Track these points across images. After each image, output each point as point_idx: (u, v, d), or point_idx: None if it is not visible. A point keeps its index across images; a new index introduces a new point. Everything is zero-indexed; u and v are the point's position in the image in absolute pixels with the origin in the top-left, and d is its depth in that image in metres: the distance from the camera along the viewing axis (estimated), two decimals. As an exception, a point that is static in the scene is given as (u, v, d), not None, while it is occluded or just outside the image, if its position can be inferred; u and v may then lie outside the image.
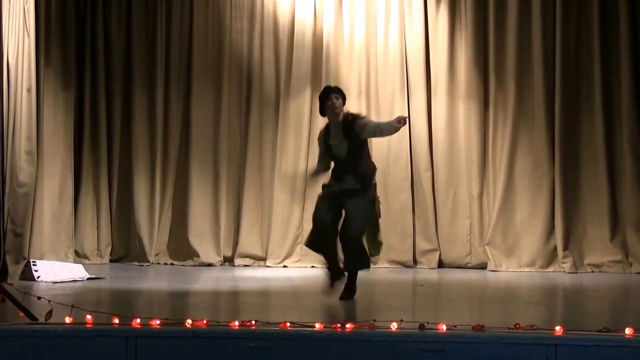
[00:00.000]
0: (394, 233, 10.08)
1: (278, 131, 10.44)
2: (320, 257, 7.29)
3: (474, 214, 10.15)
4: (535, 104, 9.98)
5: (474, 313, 7.05)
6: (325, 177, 7.21)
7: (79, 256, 10.02)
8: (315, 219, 7.03)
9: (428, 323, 5.29)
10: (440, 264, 10.14)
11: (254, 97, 10.55)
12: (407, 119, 6.96)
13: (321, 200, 7.06)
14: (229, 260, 10.44)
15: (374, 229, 7.14)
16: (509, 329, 5.26)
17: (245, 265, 10.29)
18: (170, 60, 10.59)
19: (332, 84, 10.09)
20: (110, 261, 10.38)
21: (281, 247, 10.29)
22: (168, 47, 10.60)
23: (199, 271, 9.82)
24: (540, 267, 9.81)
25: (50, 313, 5.56)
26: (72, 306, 5.69)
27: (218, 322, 5.51)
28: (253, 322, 5.45)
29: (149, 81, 10.55)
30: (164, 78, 10.56)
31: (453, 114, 10.22)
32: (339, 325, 5.36)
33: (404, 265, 10.15)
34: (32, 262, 8.70)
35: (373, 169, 7.16)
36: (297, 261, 10.25)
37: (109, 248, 10.45)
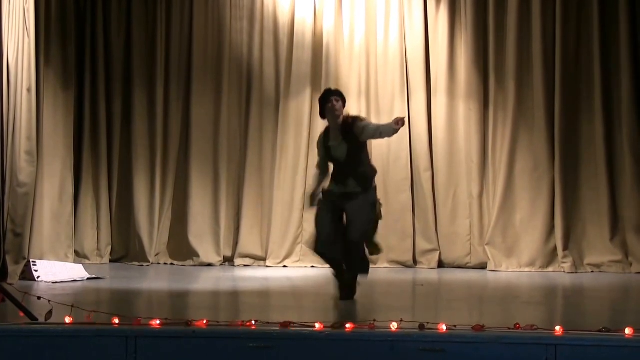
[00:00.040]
0: (394, 233, 10.08)
1: (278, 131, 10.44)
2: (325, 263, 7.28)
3: (474, 214, 10.15)
4: (535, 104, 9.98)
5: (474, 313, 7.05)
6: (326, 181, 7.21)
7: (79, 256, 10.02)
8: (319, 230, 7.03)
9: (428, 323, 5.29)
10: (440, 264, 10.14)
11: (254, 97, 10.55)
12: (406, 120, 6.91)
13: (322, 209, 7.04)
14: (229, 260, 10.44)
15: (373, 231, 7.13)
16: (509, 329, 5.26)
17: (245, 265, 10.29)
18: (170, 60, 10.59)
19: (332, 84, 10.19)
20: (110, 261, 10.38)
21: (281, 247, 10.29)
22: (168, 47, 10.60)
23: (199, 271, 9.82)
24: (540, 267, 9.81)
25: (50, 313, 5.56)
26: (72, 306, 5.69)
27: (218, 322, 5.51)
28: (253, 322, 5.45)
29: (149, 81, 10.55)
30: (164, 78, 10.56)
31: (453, 114, 10.22)
32: (339, 325, 5.36)
33: (404, 265, 10.15)
34: (32, 262, 8.70)
35: (373, 171, 7.15)
36: (297, 261, 10.25)
37: (109, 248, 10.45)
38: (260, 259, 10.37)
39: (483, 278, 9.34)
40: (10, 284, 7.86)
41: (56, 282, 8.45)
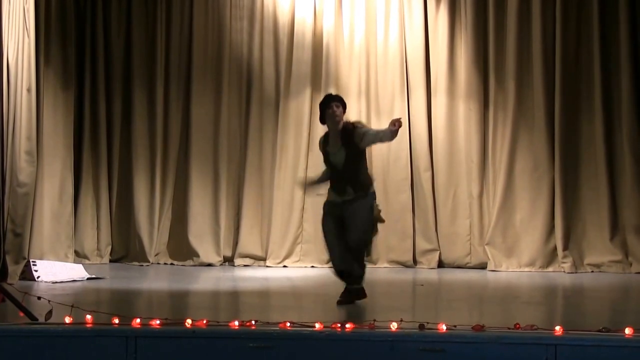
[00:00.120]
0: (394, 233, 10.08)
1: (278, 131, 10.43)
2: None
3: (473, 214, 10.15)
4: (535, 104, 9.98)
5: (474, 313, 7.05)
6: (326, 189, 7.18)
7: (79, 256, 10.02)
8: (331, 255, 7.04)
9: (428, 323, 5.30)
10: (440, 264, 10.14)
11: (254, 97, 10.55)
12: (402, 120, 6.89)
13: (328, 231, 7.01)
14: (229, 260, 10.44)
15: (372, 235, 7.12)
16: (509, 329, 5.26)
17: (245, 265, 10.29)
18: (170, 60, 10.59)
19: (332, 84, 10.24)
20: (110, 261, 10.38)
21: (281, 247, 10.29)
22: (168, 47, 10.60)
23: (199, 271, 9.82)
24: (540, 267, 9.81)
25: (50, 313, 5.57)
26: (72, 306, 5.70)
27: (218, 322, 5.52)
28: (253, 322, 5.45)
29: (148, 81, 10.55)
30: (164, 78, 10.56)
31: (453, 114, 10.22)
32: (339, 325, 5.36)
33: (404, 265, 10.15)
34: (32, 262, 8.70)
35: (370, 179, 7.12)
36: (297, 261, 10.25)
37: (109, 248, 10.45)
38: (260, 259, 10.37)
39: (483, 278, 9.34)
40: (10, 284, 7.86)
41: (56, 282, 8.45)
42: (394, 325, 5.29)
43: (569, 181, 9.89)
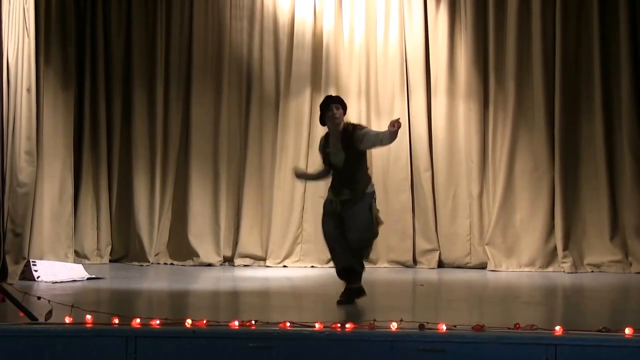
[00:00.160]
0: (394, 233, 10.08)
1: (278, 131, 10.44)
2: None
3: (473, 214, 10.15)
4: (535, 104, 9.98)
5: (474, 313, 7.05)
6: (325, 189, 7.19)
7: (79, 256, 10.02)
8: (334, 259, 7.07)
9: (428, 323, 5.30)
10: (440, 264, 10.14)
11: (253, 97, 10.55)
12: (401, 121, 6.89)
13: (329, 234, 7.02)
14: (228, 260, 10.44)
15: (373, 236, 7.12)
16: (509, 329, 5.26)
17: (245, 265, 10.29)
18: (170, 60, 10.59)
19: (332, 84, 10.24)
20: (110, 261, 10.38)
21: (281, 247, 10.29)
22: (168, 47, 10.60)
23: (199, 271, 9.82)
24: (540, 267, 9.81)
25: (50, 313, 5.57)
26: (72, 306, 5.69)
27: (218, 322, 5.52)
28: (253, 322, 5.45)
29: (148, 81, 10.55)
30: (164, 78, 10.56)
31: (453, 114, 10.22)
32: (339, 325, 5.36)
33: (404, 265, 10.15)
34: (32, 262, 8.70)
35: (368, 179, 7.11)
36: (297, 261, 10.25)
37: (109, 248, 10.45)
38: (260, 259, 10.37)
39: (483, 278, 9.34)
40: (10, 284, 7.86)
41: (56, 282, 8.45)
42: (394, 325, 5.29)
43: (569, 181, 9.89)
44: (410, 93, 10.30)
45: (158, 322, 5.44)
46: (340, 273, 7.01)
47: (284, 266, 10.21)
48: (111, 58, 10.55)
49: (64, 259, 9.37)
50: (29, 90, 8.68)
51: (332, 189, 7.06)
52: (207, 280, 9.14)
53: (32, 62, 8.75)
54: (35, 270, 8.63)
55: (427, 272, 9.77)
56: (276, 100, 10.50)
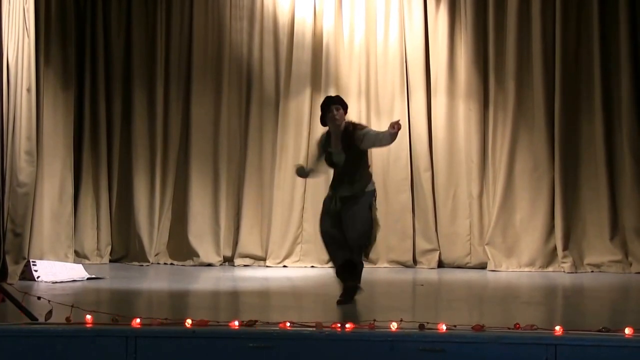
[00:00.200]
0: (394, 233, 10.08)
1: (278, 131, 10.43)
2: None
3: (473, 214, 10.15)
4: (535, 104, 9.98)
5: (474, 313, 7.05)
6: (326, 188, 7.22)
7: (79, 256, 10.02)
8: (332, 257, 7.09)
9: (428, 323, 5.30)
10: (440, 264, 10.14)
11: (253, 97, 10.55)
12: (401, 122, 6.91)
13: (328, 234, 7.04)
14: (228, 260, 10.43)
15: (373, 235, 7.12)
16: (509, 329, 5.26)
17: (245, 265, 10.28)
18: (170, 60, 10.59)
19: (332, 84, 10.24)
20: (110, 261, 10.38)
21: (281, 247, 10.29)
22: (168, 47, 10.60)
23: (199, 271, 9.82)
24: (540, 267, 9.81)
25: (50, 313, 5.57)
26: (72, 306, 5.69)
27: (218, 322, 5.51)
28: (249, 321, 5.45)
29: (148, 81, 10.55)
30: (164, 78, 10.56)
31: (453, 114, 10.22)
32: (339, 325, 5.36)
33: (404, 265, 10.15)
34: (32, 262, 8.70)
35: (369, 177, 7.14)
36: (297, 261, 10.25)
37: (109, 248, 10.45)
38: (260, 259, 10.37)
39: (483, 278, 9.34)
40: (10, 284, 7.86)
41: (56, 282, 8.45)
42: (394, 325, 5.29)
43: (569, 181, 9.89)
44: (410, 93, 10.30)
45: (158, 322, 5.44)
46: (339, 271, 7.01)
47: (284, 266, 10.21)
48: (111, 58, 10.55)
49: (64, 259, 9.37)
50: (29, 90, 8.68)
51: (333, 186, 7.09)
52: (207, 280, 9.14)
53: (32, 62, 8.75)
54: (35, 270, 8.63)
55: (427, 272, 9.77)
56: (276, 100, 10.50)
